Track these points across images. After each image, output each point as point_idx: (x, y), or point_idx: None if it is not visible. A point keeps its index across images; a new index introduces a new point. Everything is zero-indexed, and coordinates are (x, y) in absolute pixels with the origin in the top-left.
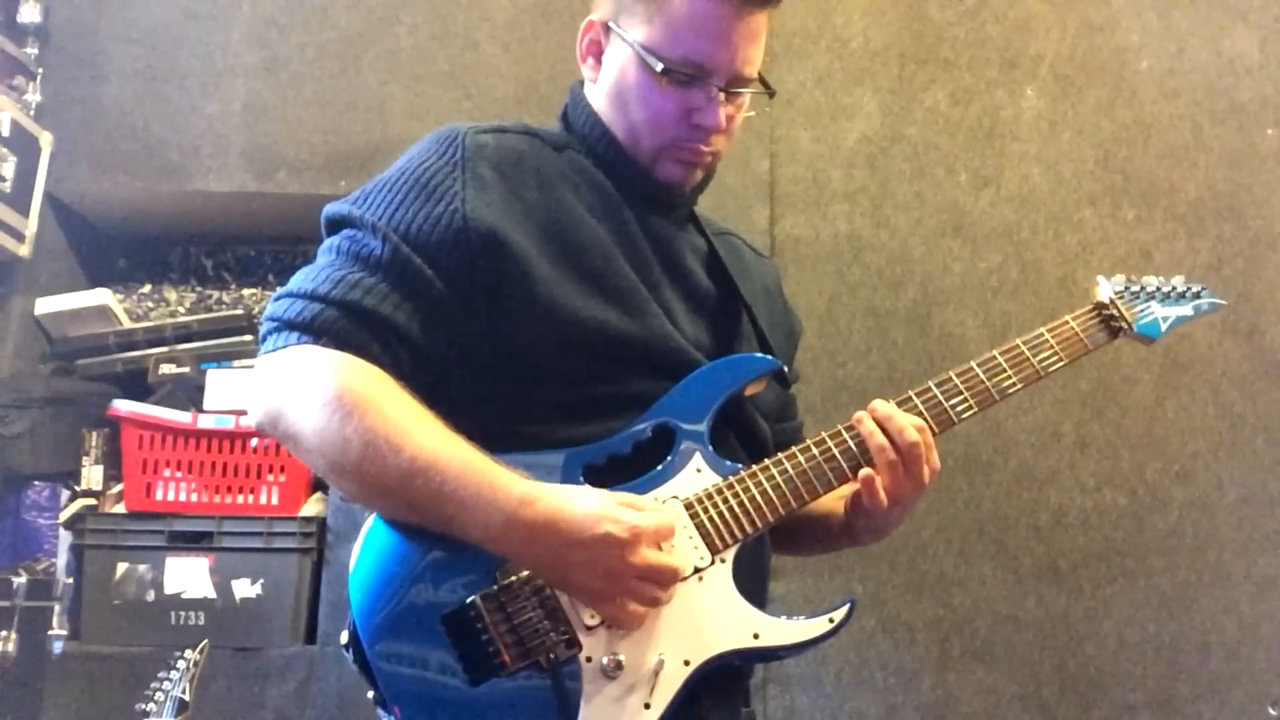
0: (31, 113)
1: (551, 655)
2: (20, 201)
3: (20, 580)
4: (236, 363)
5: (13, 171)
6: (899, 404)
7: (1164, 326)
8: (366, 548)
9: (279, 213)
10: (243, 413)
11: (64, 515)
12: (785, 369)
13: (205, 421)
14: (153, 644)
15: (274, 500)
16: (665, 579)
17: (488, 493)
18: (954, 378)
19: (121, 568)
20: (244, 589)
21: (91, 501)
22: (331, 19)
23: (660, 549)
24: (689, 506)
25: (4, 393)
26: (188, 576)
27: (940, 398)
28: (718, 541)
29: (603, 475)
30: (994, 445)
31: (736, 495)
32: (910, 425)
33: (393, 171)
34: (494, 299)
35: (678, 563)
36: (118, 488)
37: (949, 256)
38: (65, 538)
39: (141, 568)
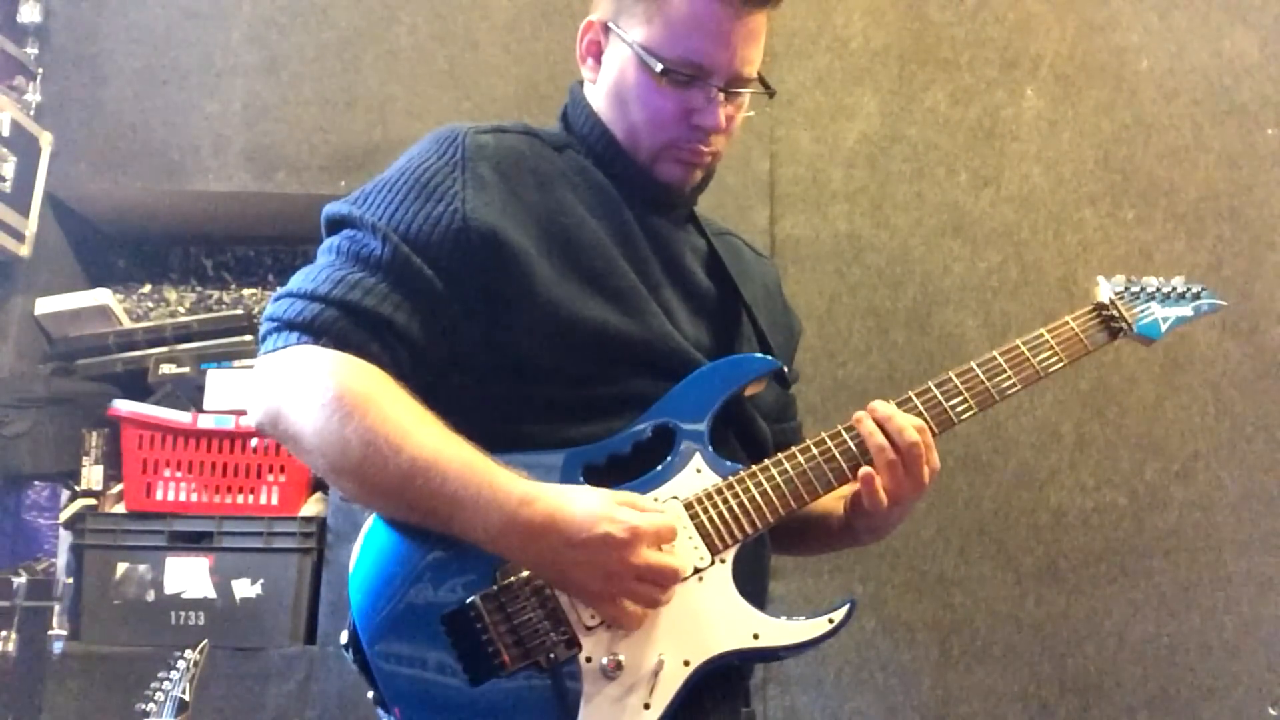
0: (31, 113)
1: (551, 655)
2: (20, 201)
3: (20, 580)
4: (236, 363)
5: (13, 171)
6: (899, 404)
7: (1164, 327)
8: (366, 548)
9: (279, 213)
10: (243, 413)
11: (64, 515)
12: (785, 369)
13: (205, 421)
14: (153, 644)
15: (274, 500)
16: (665, 580)
17: (487, 493)
18: (954, 378)
19: (121, 568)
20: (244, 589)
21: (91, 501)
22: (331, 19)
23: (660, 550)
24: (689, 507)
25: (4, 393)
26: (188, 576)
27: (940, 398)
28: (717, 542)
29: (603, 475)
30: (994, 445)
31: (736, 495)
32: (910, 425)
33: (393, 172)
34: (494, 299)
35: (677, 563)
36: (118, 488)
37: (949, 256)
38: (65, 538)
39: (141, 568)
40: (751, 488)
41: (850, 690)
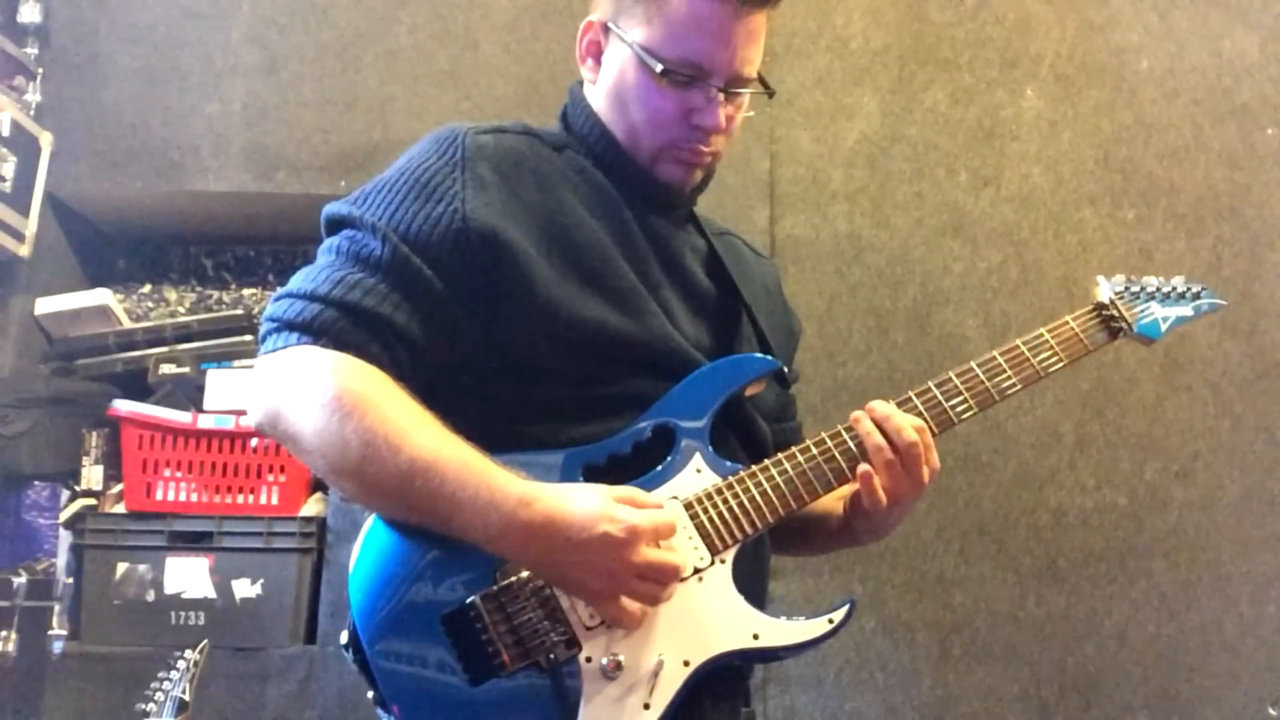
0: (31, 113)
1: (551, 655)
2: (20, 201)
3: (20, 580)
4: (236, 363)
5: (13, 171)
6: (899, 404)
7: (1164, 327)
8: (366, 548)
9: (279, 213)
10: (243, 413)
11: (64, 515)
12: (785, 369)
13: (205, 421)
14: (153, 644)
15: (274, 500)
16: (665, 577)
17: (486, 493)
18: (954, 378)
19: (121, 568)
20: (244, 589)
21: (91, 501)
22: (331, 19)
23: (659, 547)
24: (689, 507)
25: (4, 393)
26: (188, 576)
27: (940, 398)
28: (717, 542)
29: (603, 475)
30: (994, 445)
31: (736, 496)
32: (908, 425)
33: (392, 172)
34: (493, 299)
35: (677, 560)
36: (118, 488)
37: (949, 256)
38: (65, 538)
39: (141, 568)
40: (751, 488)
41: (850, 690)
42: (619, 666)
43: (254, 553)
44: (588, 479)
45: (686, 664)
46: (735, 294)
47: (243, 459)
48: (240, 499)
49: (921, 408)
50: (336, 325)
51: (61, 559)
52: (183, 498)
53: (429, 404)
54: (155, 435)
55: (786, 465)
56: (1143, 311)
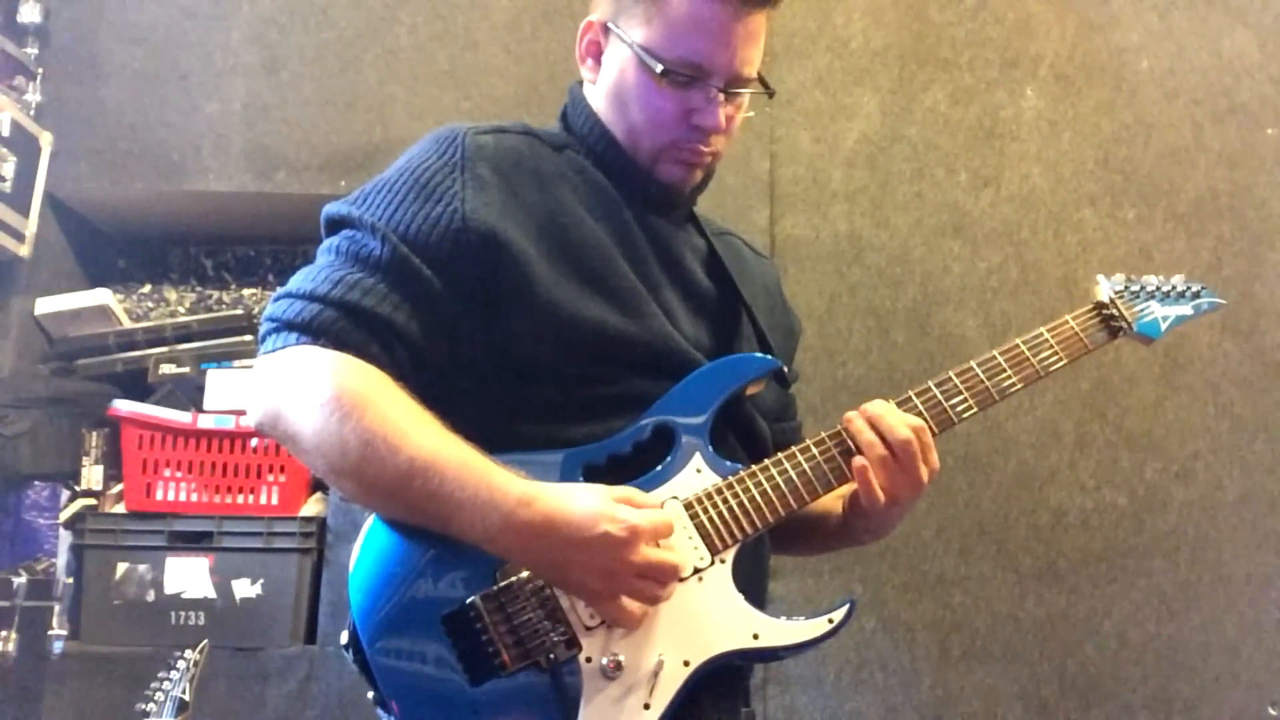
0: (31, 113)
1: (551, 656)
2: (20, 201)
3: (20, 580)
4: (236, 363)
5: (13, 171)
6: (899, 404)
7: (1164, 326)
8: (366, 548)
9: (279, 213)
10: (243, 413)
11: (64, 515)
12: (785, 369)
13: (205, 421)
14: (153, 644)
15: (274, 500)
16: (664, 576)
17: (485, 493)
18: (953, 377)
19: (121, 568)
20: (244, 589)
21: (91, 501)
22: (331, 19)
23: (659, 546)
24: (688, 507)
25: (4, 393)
26: (188, 576)
27: (940, 397)
28: (717, 542)
29: (603, 475)
30: (994, 445)
31: (736, 495)
32: (900, 423)
33: (392, 172)
34: (493, 299)
35: (677, 559)
36: (118, 488)
37: (949, 256)
38: (65, 538)
39: (141, 568)
40: (751, 488)
41: (850, 690)
42: (619, 666)
43: (254, 553)
44: (587, 479)
45: (686, 664)
46: (735, 294)
47: (243, 459)
48: (240, 499)
49: (921, 407)
50: (336, 325)
51: (61, 559)
52: (183, 498)
53: (429, 404)
54: (155, 435)
55: (786, 465)
56: (1142, 311)
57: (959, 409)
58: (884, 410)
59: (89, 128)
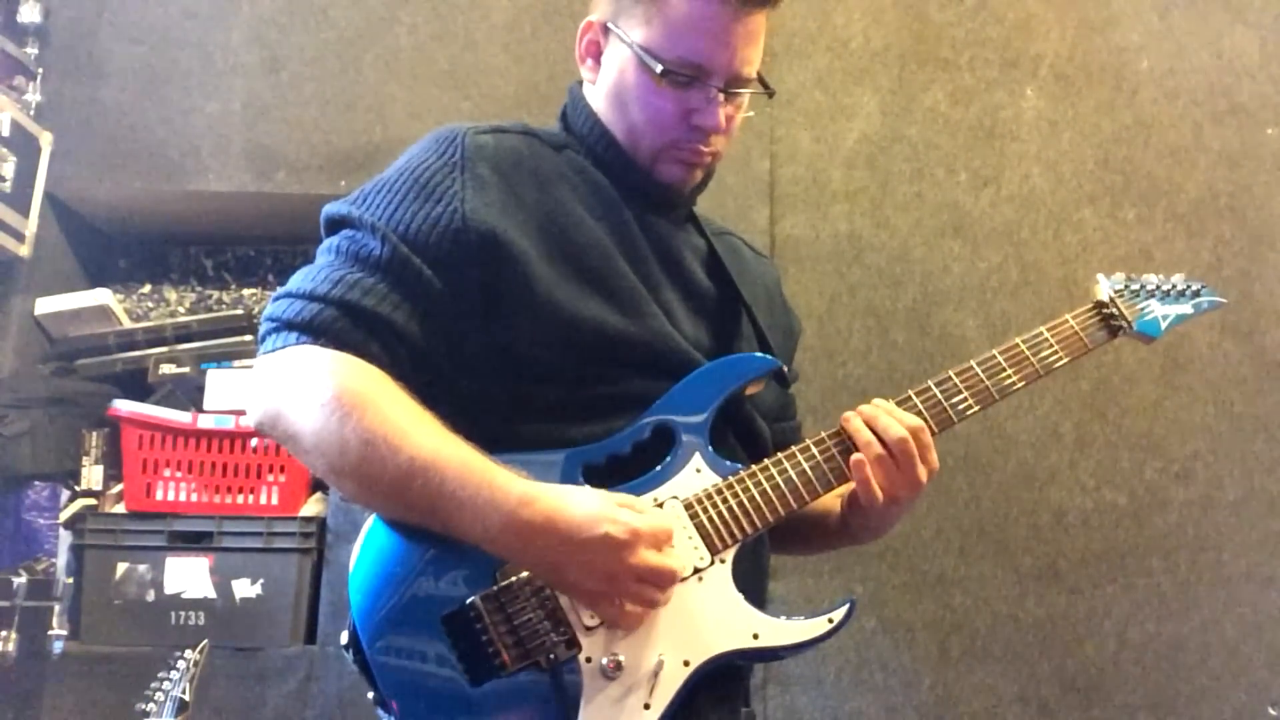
0: (31, 113)
1: (551, 656)
2: (20, 201)
3: (20, 580)
4: (236, 363)
5: (13, 171)
6: (898, 403)
7: (1164, 325)
8: (366, 548)
9: (279, 213)
10: (243, 413)
11: (64, 515)
12: (785, 369)
13: (205, 421)
14: (153, 644)
15: (274, 500)
16: (663, 581)
17: (486, 493)
18: (953, 377)
19: (121, 568)
20: (244, 589)
21: (91, 501)
22: (331, 19)
23: (659, 551)
24: (688, 506)
25: (4, 393)
26: (188, 576)
27: (939, 397)
28: (717, 542)
29: (602, 475)
30: (994, 445)
31: (736, 495)
32: (895, 422)
33: (392, 172)
34: (493, 299)
35: (676, 565)
36: (118, 488)
37: (949, 256)
38: (65, 538)
39: (141, 568)
40: (751, 487)
41: (850, 690)
42: (619, 666)
43: (254, 553)
44: (587, 479)
45: (686, 664)
46: (735, 294)
47: (243, 459)
48: (240, 499)
49: (921, 406)
50: (336, 325)
51: (61, 559)
52: (183, 498)
53: (428, 404)
54: (155, 435)
55: (786, 465)
56: (1143, 310)
57: (959, 408)
58: (881, 409)
59: (89, 128)
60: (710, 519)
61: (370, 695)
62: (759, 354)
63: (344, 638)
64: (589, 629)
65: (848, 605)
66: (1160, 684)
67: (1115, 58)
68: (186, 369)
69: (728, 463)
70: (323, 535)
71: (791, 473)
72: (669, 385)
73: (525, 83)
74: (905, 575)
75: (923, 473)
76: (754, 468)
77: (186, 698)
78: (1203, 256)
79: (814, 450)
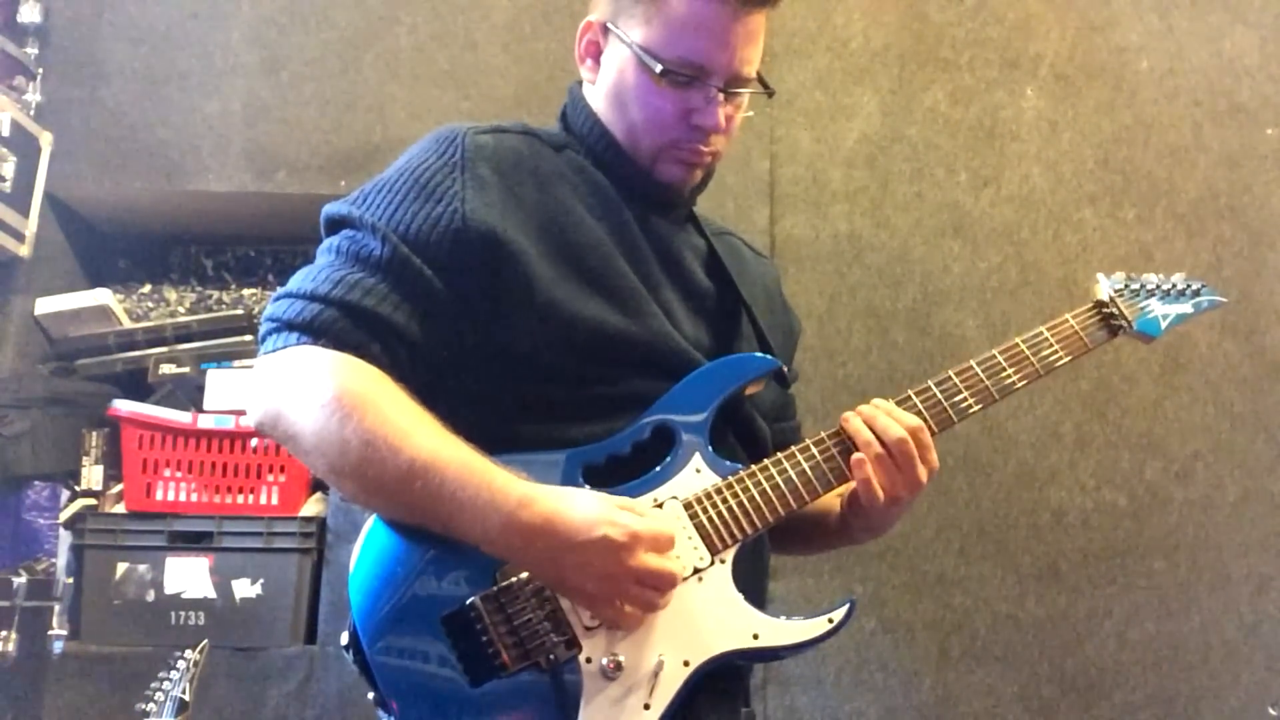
0: (31, 113)
1: (551, 656)
2: (20, 201)
3: (20, 580)
4: (236, 363)
5: (13, 171)
6: (898, 403)
7: (1164, 324)
8: (367, 548)
9: (279, 213)
10: (243, 413)
11: (64, 515)
12: (785, 369)
13: (205, 421)
14: (153, 644)
15: (274, 500)
16: (663, 585)
17: (486, 494)
18: (953, 376)
19: (121, 568)
20: (244, 589)
21: (91, 501)
22: (331, 19)
23: (659, 554)
24: (688, 507)
25: (4, 393)
26: (188, 576)
27: (939, 396)
28: (717, 542)
29: (602, 475)
30: (994, 445)
31: (736, 495)
32: (894, 423)
33: (392, 172)
34: (493, 299)
35: (676, 568)
36: (118, 488)
37: (949, 256)
38: (65, 538)
39: (141, 568)
40: (751, 487)
41: (850, 690)
42: (619, 667)
43: (254, 553)
44: (587, 479)
45: (686, 664)
46: (735, 294)
47: (243, 459)
48: (240, 499)
49: (920, 406)
50: (336, 325)
51: (61, 559)
52: (183, 498)
53: (428, 404)
54: (155, 435)
55: (786, 465)
56: (1143, 309)
57: (959, 407)
58: (880, 410)
59: (89, 128)
60: (710, 519)
61: (370, 696)
62: (759, 354)
63: (344, 638)
64: (589, 629)
65: (848, 605)
66: (1160, 684)
67: (1115, 58)
68: (186, 369)
69: (727, 463)
70: (323, 535)
71: (791, 473)
72: (669, 385)
73: (525, 83)
74: (905, 575)
75: (923, 472)
76: (754, 468)
77: (186, 698)
78: (1203, 256)
79: (814, 450)
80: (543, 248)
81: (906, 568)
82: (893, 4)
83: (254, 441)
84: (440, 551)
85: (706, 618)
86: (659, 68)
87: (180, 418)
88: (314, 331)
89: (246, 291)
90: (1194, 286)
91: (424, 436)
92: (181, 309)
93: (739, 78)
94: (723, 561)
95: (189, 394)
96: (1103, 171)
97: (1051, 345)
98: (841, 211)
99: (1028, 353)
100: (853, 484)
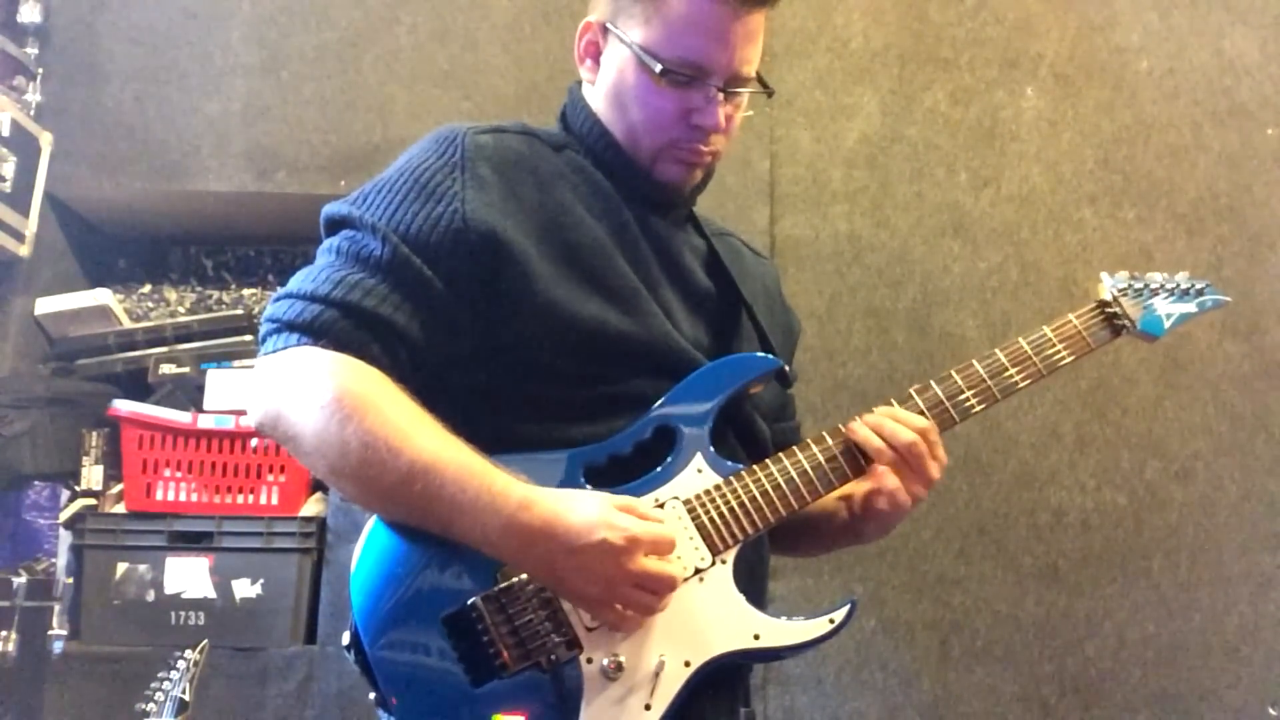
0: (31, 113)
1: (552, 656)
2: (20, 201)
3: (20, 580)
4: (236, 363)
5: (13, 171)
6: (900, 402)
7: (1167, 324)
8: (368, 548)
9: (279, 213)
10: (243, 413)
11: (64, 515)
12: (786, 368)
13: (205, 421)
14: (153, 644)
15: (274, 500)
16: (661, 588)
17: (486, 497)
18: (955, 375)
19: (121, 568)
20: (244, 589)
21: (91, 501)
22: (331, 19)
23: (659, 557)
24: (690, 507)
25: (4, 393)
26: (188, 576)
27: (942, 395)
28: (718, 542)
29: (604, 475)
30: (994, 445)
31: (738, 495)
32: (904, 427)
33: (392, 172)
34: (493, 299)
35: (675, 571)
36: (118, 488)
37: (949, 256)
38: (65, 538)
39: (141, 568)
40: (752, 487)
41: (850, 690)
42: (620, 667)
43: (254, 553)
44: (589, 479)
45: (687, 664)
46: (735, 293)
47: (243, 459)
48: (240, 499)
49: (922, 405)
50: (337, 326)
51: (61, 559)
52: (183, 498)
53: (428, 404)
54: (155, 435)
55: (788, 464)
56: (1146, 309)
57: (962, 406)
58: (886, 416)
59: (89, 128)
60: (711, 519)
61: (371, 696)
62: (761, 354)
63: (345, 638)
64: (590, 630)
65: (849, 605)
66: (1160, 684)
67: (1115, 58)
68: (186, 369)
69: (729, 463)
70: (323, 535)
71: (793, 472)
72: (669, 385)
73: (525, 83)
74: (905, 575)
75: (935, 469)
76: (755, 468)
77: (186, 698)
78: (1203, 256)
79: (815, 450)
80: (543, 248)
81: (906, 568)
82: (893, 4)
83: (254, 441)
84: (442, 551)
85: (708, 618)
86: (659, 67)
87: (180, 418)
88: (314, 332)
89: (246, 291)
90: (1197, 286)
91: (424, 438)
92: (181, 309)
93: (739, 77)
94: (724, 562)
95: (189, 394)
96: (1103, 171)
97: (1055, 345)
98: (841, 211)
99: (1030, 352)
100: (853, 485)
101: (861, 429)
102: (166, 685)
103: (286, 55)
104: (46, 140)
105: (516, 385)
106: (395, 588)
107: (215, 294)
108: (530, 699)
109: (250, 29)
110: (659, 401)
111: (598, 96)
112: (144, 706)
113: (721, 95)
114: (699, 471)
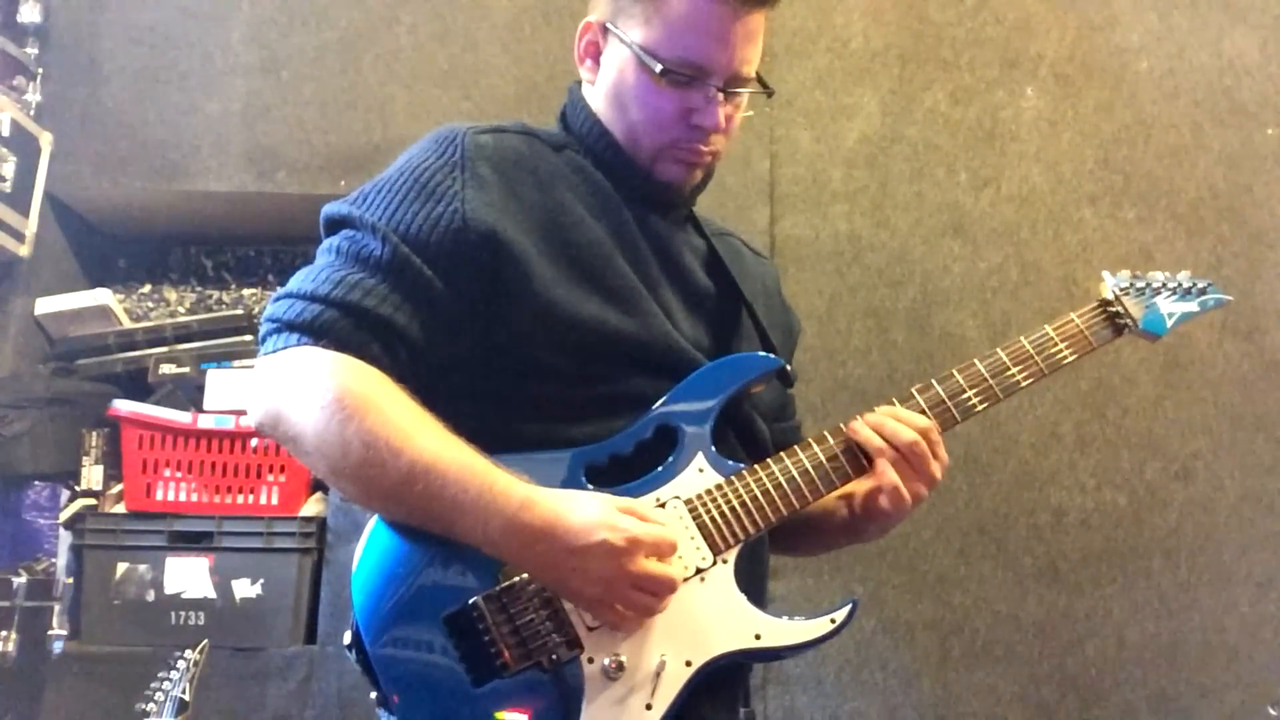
0: (31, 113)
1: (553, 656)
2: (20, 201)
3: (20, 580)
4: (236, 363)
5: (13, 171)
6: (902, 401)
7: (1169, 323)
8: (370, 548)
9: (279, 213)
10: (243, 413)
11: (64, 515)
12: (787, 368)
13: (205, 421)
14: (153, 644)
15: (274, 500)
16: (661, 590)
17: (487, 497)
18: (957, 375)
19: (121, 568)
20: (244, 589)
21: (91, 501)
22: (331, 19)
23: (659, 559)
24: (691, 506)
25: (4, 393)
26: (188, 576)
27: (943, 394)
28: (719, 541)
29: (605, 475)
30: (994, 445)
31: (739, 495)
32: (906, 426)
33: (392, 172)
34: (493, 299)
35: (675, 573)
36: (118, 488)
37: (949, 256)
38: (65, 538)
39: (141, 568)
40: (754, 487)
41: (850, 690)
42: (621, 667)
43: (254, 553)
44: (590, 479)
45: (689, 664)
46: (735, 293)
47: (243, 459)
48: (240, 499)
49: (924, 404)
50: (337, 326)
51: (61, 559)
52: (183, 498)
53: (429, 404)
54: (155, 435)
55: (789, 464)
56: (1148, 308)
57: (964, 405)
58: (888, 416)
59: (89, 128)
60: (713, 518)
61: (373, 695)
62: (763, 354)
63: (346, 637)
64: (591, 629)
65: (850, 605)
66: (1160, 684)
67: (1115, 58)
68: (186, 369)
69: (730, 462)
70: (323, 535)
71: (794, 472)
72: (669, 385)
73: (525, 83)
74: (905, 575)
75: (937, 468)
76: (756, 467)
77: (186, 698)
78: (1203, 256)
79: (816, 449)
80: (543, 247)
81: (906, 568)
82: (893, 4)
83: (254, 441)
84: (443, 551)
85: (709, 618)
86: (659, 67)
87: (180, 418)
88: (314, 332)
89: (246, 291)
90: (1199, 285)
91: (425, 438)
92: (181, 309)
93: (739, 77)
94: (725, 561)
95: (189, 394)
96: (1103, 171)
97: (1057, 344)
98: (841, 211)
99: (1032, 351)
100: (854, 485)
101: (863, 428)
102: (166, 685)
103: (286, 55)
104: (46, 140)
105: (517, 385)
106: (397, 587)
107: (215, 294)
108: (531, 698)
109: (250, 29)
110: (660, 401)
111: (598, 96)
112: (144, 706)
113: (721, 95)
114: (700, 471)
